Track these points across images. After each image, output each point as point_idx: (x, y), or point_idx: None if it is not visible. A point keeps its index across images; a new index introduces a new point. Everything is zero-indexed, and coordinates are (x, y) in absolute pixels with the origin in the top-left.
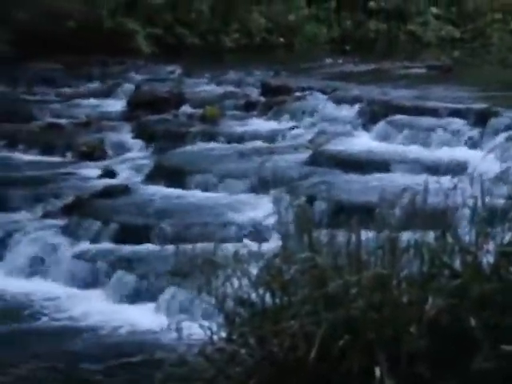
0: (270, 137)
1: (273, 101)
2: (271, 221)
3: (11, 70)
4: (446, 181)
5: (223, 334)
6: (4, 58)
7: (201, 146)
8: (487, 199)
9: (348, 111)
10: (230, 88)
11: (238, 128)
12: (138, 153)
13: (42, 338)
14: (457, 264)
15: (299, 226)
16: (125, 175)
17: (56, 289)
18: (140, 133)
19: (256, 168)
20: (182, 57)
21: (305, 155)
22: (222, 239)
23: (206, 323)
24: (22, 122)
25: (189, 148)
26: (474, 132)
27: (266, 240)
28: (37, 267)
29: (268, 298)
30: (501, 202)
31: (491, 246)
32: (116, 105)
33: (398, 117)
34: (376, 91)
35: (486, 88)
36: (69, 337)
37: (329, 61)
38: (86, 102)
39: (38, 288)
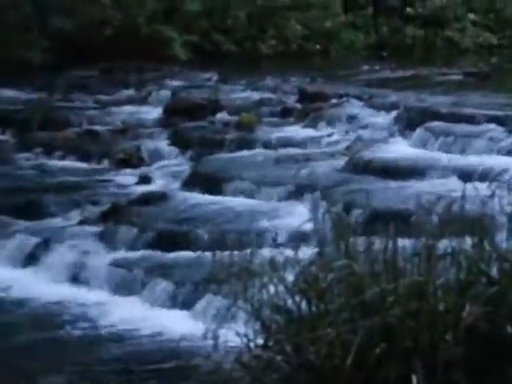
0: (307, 143)
1: (309, 107)
2: (307, 228)
3: (49, 77)
4: (484, 188)
5: (259, 341)
6: (42, 66)
7: (237, 152)
8: None
9: (385, 118)
10: (267, 95)
11: (275, 135)
12: (175, 160)
13: (78, 344)
14: (494, 271)
15: (336, 233)
16: (161, 182)
17: (92, 295)
18: (176, 140)
19: (292, 175)
20: (218, 64)
21: (341, 162)
22: (259, 246)
23: (242, 330)
24: (58, 129)
25: (225, 155)
26: None
27: (302, 247)
28: (73, 274)
29: (304, 305)
30: None
31: None
32: (152, 112)
33: (435, 123)
34: (413, 98)
35: None
36: (105, 343)
37: (365, 67)
38: (122, 108)
39: (75, 294)
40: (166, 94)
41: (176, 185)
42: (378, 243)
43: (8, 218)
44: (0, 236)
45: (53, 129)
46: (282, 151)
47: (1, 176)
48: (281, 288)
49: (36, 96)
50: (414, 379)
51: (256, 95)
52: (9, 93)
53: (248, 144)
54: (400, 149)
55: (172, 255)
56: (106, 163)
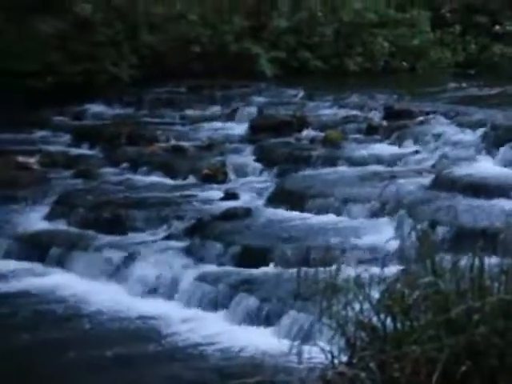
0: (392, 161)
1: (395, 125)
2: (393, 245)
3: (137, 93)
4: None
5: (344, 358)
6: (131, 81)
7: (322, 169)
8: None
9: (471, 135)
10: (353, 112)
11: (360, 152)
12: (260, 176)
13: (162, 360)
14: None
15: (422, 251)
16: (246, 198)
17: (177, 310)
18: (262, 156)
19: (378, 192)
20: (304, 80)
21: (427, 179)
22: (343, 263)
23: (326, 347)
24: (145, 145)
25: (310, 171)
26: None
27: (387, 264)
28: (158, 288)
29: (389, 322)
30: None
31: None
32: (238, 128)
33: None
34: (500, 115)
35: None
36: (189, 358)
37: (452, 85)
38: (208, 125)
39: (160, 309)
40: (252, 110)
41: (261, 201)
42: (464, 261)
43: (94, 233)
44: (86, 250)
45: (140, 144)
46: (368, 168)
47: (88, 190)
48: (366, 305)
49: (124, 111)
50: None
51: (342, 112)
52: (97, 108)
53: (333, 161)
54: (487, 167)
55: (257, 271)
56: (191, 179)
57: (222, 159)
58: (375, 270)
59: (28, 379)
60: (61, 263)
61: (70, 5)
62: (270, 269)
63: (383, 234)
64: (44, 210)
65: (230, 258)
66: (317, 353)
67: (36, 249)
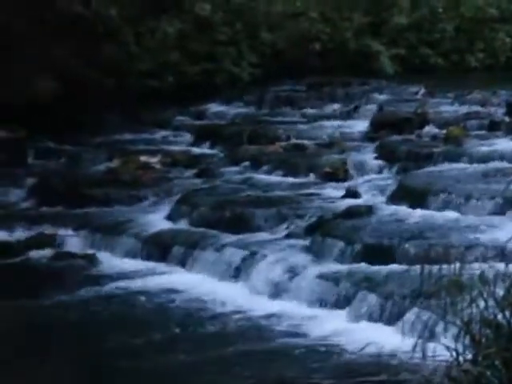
0: None
1: None
2: None
3: (257, 92)
4: None
5: (468, 356)
6: (251, 80)
7: (444, 166)
8: None
9: None
10: (474, 108)
11: (482, 148)
12: (381, 173)
13: (285, 357)
14: None
15: None
16: (367, 195)
17: (299, 309)
18: (382, 153)
19: (501, 188)
20: (425, 77)
21: None
22: (467, 260)
23: (451, 345)
24: (266, 143)
25: (432, 168)
26: None
27: None
28: (280, 287)
29: None
30: None
31: None
32: (359, 125)
33: None
34: None
35: None
36: (311, 356)
37: None
38: (329, 123)
39: (281, 308)
40: (372, 107)
41: (382, 198)
42: None
43: (216, 232)
44: (208, 249)
45: (261, 143)
46: (490, 165)
47: (210, 189)
48: (491, 302)
49: (244, 110)
50: None
51: (463, 108)
52: (218, 107)
53: (455, 157)
54: None
55: (378, 269)
56: (312, 177)
57: (342, 157)
58: (500, 266)
59: (157, 376)
60: (183, 262)
61: (189, 5)
62: (392, 266)
63: (507, 230)
64: (166, 209)
65: (352, 256)
66: (441, 350)
67: (158, 248)
